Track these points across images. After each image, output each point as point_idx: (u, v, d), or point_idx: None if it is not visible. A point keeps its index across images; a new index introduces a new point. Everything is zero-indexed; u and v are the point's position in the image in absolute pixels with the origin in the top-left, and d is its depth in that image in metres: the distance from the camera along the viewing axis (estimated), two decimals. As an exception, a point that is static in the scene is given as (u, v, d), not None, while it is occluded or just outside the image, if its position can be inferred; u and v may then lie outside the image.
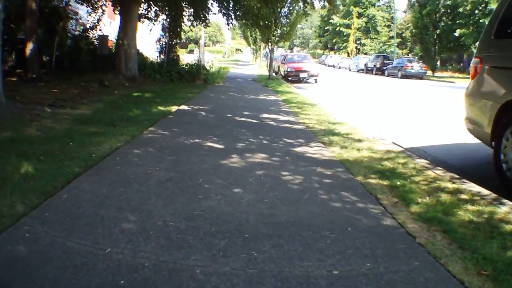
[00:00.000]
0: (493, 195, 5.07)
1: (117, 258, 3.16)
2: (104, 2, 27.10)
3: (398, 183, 5.39)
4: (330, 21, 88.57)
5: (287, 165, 6.29)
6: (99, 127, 9.10)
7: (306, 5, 24.23)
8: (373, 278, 3.06)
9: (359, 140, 8.41)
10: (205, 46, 49.94)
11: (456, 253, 3.52)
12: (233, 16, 27.66)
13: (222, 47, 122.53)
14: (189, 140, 8.06)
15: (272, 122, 10.76)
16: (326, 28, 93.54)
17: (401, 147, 8.26)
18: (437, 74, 47.53)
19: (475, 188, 5.37)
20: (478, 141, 6.87)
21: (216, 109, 13.02)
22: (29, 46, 20.53)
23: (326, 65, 78.49)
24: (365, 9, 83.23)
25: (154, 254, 3.26)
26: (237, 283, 2.86)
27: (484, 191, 5.21)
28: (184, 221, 3.95)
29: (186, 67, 26.07)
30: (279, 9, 29.92)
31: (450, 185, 5.39)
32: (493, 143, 6.16)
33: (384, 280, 3.04)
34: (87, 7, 26.93)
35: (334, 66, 74.30)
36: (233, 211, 4.28)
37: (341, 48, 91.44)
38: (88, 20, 28.20)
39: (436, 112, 15.21)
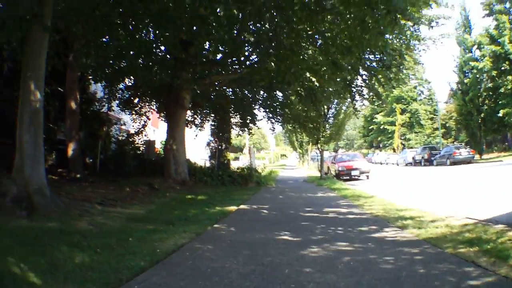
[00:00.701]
0: None
1: None
2: (148, 109, 28.12)
3: (488, 246, 5.38)
4: (374, 120, 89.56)
5: (371, 249, 6.21)
6: (157, 225, 9.17)
7: (354, 102, 24.63)
8: None
9: (433, 221, 8.33)
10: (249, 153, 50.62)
11: None
12: (280, 120, 28.33)
13: (267, 153, 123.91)
14: (259, 235, 8.01)
15: (339, 215, 10.67)
16: (370, 127, 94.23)
17: (475, 219, 8.15)
18: (484, 156, 47.49)
19: None
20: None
21: (277, 208, 12.98)
22: (71, 147, 20.97)
23: (373, 162, 78.52)
24: (407, 105, 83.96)
25: None
26: None
27: None
28: None
29: (238, 171, 26.30)
30: (326, 110, 30.42)
31: None
32: None
33: None
34: (129, 114, 27.96)
35: (381, 163, 74.30)
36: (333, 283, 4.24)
37: (387, 145, 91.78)
38: (133, 126, 29.04)
39: (493, 186, 15.09)
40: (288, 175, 41.35)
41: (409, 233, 7.32)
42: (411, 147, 79.61)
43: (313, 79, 17.76)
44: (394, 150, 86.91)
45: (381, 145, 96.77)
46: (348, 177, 31.80)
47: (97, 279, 4.86)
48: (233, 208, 13.04)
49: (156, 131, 36.93)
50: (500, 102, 42.21)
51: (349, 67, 18.02)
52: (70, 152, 21.14)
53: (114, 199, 13.95)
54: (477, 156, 45.23)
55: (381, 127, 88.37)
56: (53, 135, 24.90)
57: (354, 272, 5.02)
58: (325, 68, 16.66)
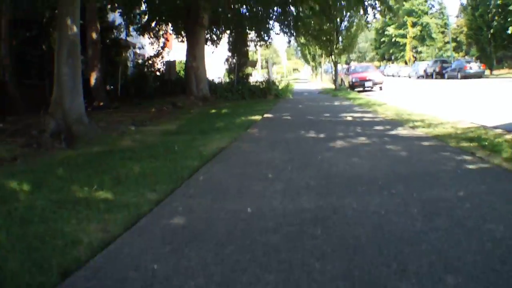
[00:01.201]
0: None
1: (278, 208, 4.19)
2: (165, 31, 28.75)
3: (486, 143, 6.40)
4: (385, 32, 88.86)
5: (387, 142, 7.34)
6: (193, 135, 10.05)
7: (366, 15, 24.96)
8: (488, 191, 4.12)
9: (441, 123, 9.34)
10: (261, 68, 50.79)
11: None
12: (294, 34, 28.76)
13: (280, 68, 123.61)
14: (289, 135, 9.08)
15: (355, 119, 11.71)
16: (382, 40, 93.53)
17: (479, 124, 9.16)
18: (495, 72, 47.68)
19: None
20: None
21: (298, 115, 14.00)
22: (94, 76, 21.70)
23: (385, 75, 78.49)
24: (418, 18, 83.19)
25: (312, 201, 4.26)
26: (383, 214, 3.84)
27: None
28: (323, 180, 4.99)
29: (257, 84, 27.17)
30: (339, 23, 30.80)
31: None
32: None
33: (498, 192, 4.10)
34: (149, 38, 28.44)
35: (393, 76, 74.26)
36: (361, 171, 5.34)
37: (398, 57, 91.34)
38: (153, 48, 29.64)
39: (504, 101, 15.94)
40: (302, 88, 42.00)
41: (419, 132, 8.39)
42: (423, 60, 79.47)
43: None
44: (406, 62, 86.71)
45: (392, 58, 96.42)
46: (361, 88, 32.42)
47: (162, 181, 5.50)
48: (258, 117, 13.96)
49: (170, 52, 37.48)
50: (509, 19, 42.28)
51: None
52: (92, 81, 21.83)
53: (143, 120, 14.78)
54: (487, 71, 45.67)
55: (393, 40, 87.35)
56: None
57: (374, 157, 6.17)
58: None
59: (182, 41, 27.68)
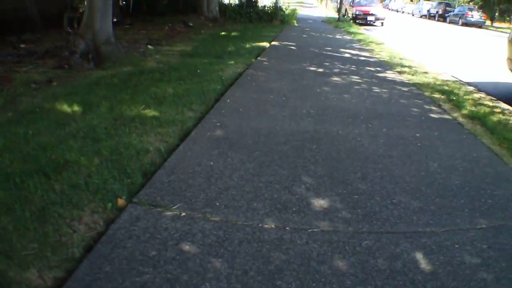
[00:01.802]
0: None
1: (287, 128, 5.72)
2: None
3: (454, 98, 7.84)
4: None
5: (374, 83, 8.75)
6: (210, 59, 10.99)
7: None
8: (438, 137, 5.61)
9: (425, 72, 10.76)
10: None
11: (487, 134, 6.00)
12: None
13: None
14: (295, 66, 10.37)
15: (352, 56, 12.98)
16: None
17: (457, 78, 10.61)
18: (495, 24, 48.40)
19: (506, 106, 7.80)
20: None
21: (302, 46, 15.04)
22: None
23: (389, 9, 78.59)
24: None
25: (310, 125, 5.77)
26: (359, 140, 5.35)
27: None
28: (320, 110, 6.47)
29: (266, 9, 27.94)
30: None
31: (489, 103, 7.82)
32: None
33: (445, 139, 5.58)
34: None
35: (397, 11, 74.44)
36: (349, 106, 6.82)
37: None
38: None
39: (490, 58, 17.26)
40: (307, 14, 42.44)
41: (404, 77, 9.78)
42: (429, -1, 79.63)
43: None
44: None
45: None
46: (364, 22, 33.50)
47: (196, 101, 6.66)
48: (266, 44, 14.96)
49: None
50: None
51: None
52: None
53: (158, 39, 15.32)
54: (488, 22, 46.60)
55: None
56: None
57: (361, 95, 7.63)
58: None
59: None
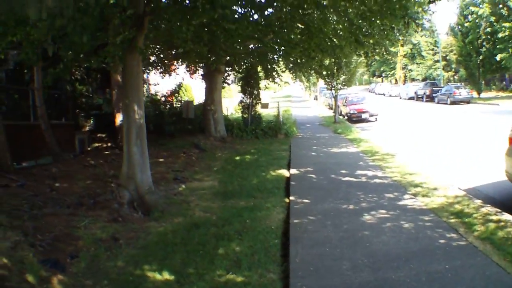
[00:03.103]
0: None
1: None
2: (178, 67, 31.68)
3: (466, 220, 9.58)
4: (377, 50, 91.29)
5: (400, 216, 10.37)
6: (245, 201, 12.36)
7: (366, 57, 27.58)
8: (460, 265, 7.36)
9: (435, 189, 12.55)
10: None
11: (495, 251, 7.71)
12: (299, 69, 31.80)
13: (268, 84, 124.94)
14: (327, 205, 11.57)
15: (369, 180, 14.44)
16: (369, 63, 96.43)
17: (463, 190, 12.40)
18: (483, 95, 51.50)
19: (508, 217, 9.58)
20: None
21: (320, 171, 16.34)
22: (119, 117, 23.39)
23: (375, 93, 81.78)
24: (409, 36, 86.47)
25: (370, 274, 7.55)
26: (410, 281, 7.16)
27: None
28: (371, 258, 8.25)
29: (269, 124, 30.23)
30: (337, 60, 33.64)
31: (494, 217, 9.56)
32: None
33: (465, 265, 7.35)
34: (162, 77, 31.69)
35: (384, 95, 77.26)
36: (388, 248, 8.43)
37: (389, 75, 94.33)
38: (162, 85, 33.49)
39: (484, 143, 19.11)
40: (301, 114, 44.53)
41: (420, 202, 11.38)
42: (413, 79, 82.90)
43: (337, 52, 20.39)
44: (396, 81, 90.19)
45: (383, 75, 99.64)
46: (358, 119, 36.20)
47: (266, 261, 7.92)
48: (285, 172, 16.57)
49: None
50: (498, 46, 45.68)
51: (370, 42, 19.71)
52: (117, 121, 23.67)
53: (179, 170, 16.72)
54: (475, 94, 49.32)
55: (382, 58, 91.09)
56: (92, 103, 29.49)
57: (395, 233, 9.17)
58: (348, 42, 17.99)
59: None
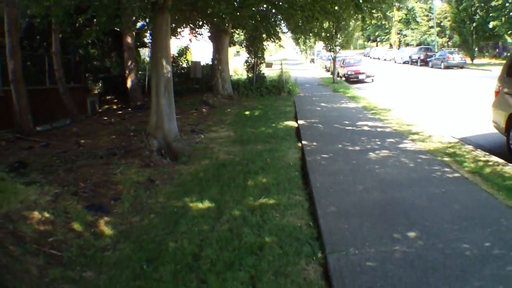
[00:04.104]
0: (504, 162, 10.77)
1: (368, 197, 9.05)
2: (183, 30, 32.55)
3: (458, 159, 11.09)
4: (374, 14, 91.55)
5: (401, 155, 11.87)
6: (263, 145, 13.75)
7: (363, 21, 28.52)
8: (455, 190, 8.91)
9: (430, 136, 14.03)
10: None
11: (484, 182, 9.17)
12: (299, 32, 32.86)
13: (267, 45, 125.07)
14: (336, 147, 13.12)
15: (371, 129, 15.77)
16: (368, 22, 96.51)
17: (456, 138, 13.92)
18: (476, 61, 52.72)
19: (495, 158, 11.13)
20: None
21: (325, 122, 17.75)
22: (130, 78, 24.73)
23: (370, 57, 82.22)
24: (404, 1, 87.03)
25: (379, 193, 9.08)
26: (413, 198, 8.72)
27: (500, 160, 10.96)
28: (377, 183, 9.77)
29: (272, 83, 31.61)
30: (338, 23, 34.60)
31: (483, 158, 11.10)
32: (506, 134, 12.01)
33: (459, 190, 8.91)
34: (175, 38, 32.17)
35: (379, 59, 77.78)
36: (392, 176, 9.95)
37: (384, 40, 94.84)
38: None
39: (475, 102, 20.78)
40: (300, 76, 44.98)
41: (418, 145, 12.82)
42: (407, 44, 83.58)
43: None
44: (391, 45, 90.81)
45: (378, 39, 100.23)
46: (356, 80, 37.43)
47: (290, 187, 9.32)
48: (294, 123, 17.94)
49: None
50: (491, 14, 46.80)
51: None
52: (129, 83, 24.93)
53: (194, 124, 17.62)
54: (468, 60, 50.60)
55: (379, 22, 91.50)
56: (104, 67, 30.34)
57: (396, 171, 10.49)
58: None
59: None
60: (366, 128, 16.35)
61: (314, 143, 13.81)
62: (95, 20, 15.48)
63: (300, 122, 18.20)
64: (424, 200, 8.29)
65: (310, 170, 10.68)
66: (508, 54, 49.08)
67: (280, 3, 19.84)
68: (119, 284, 5.86)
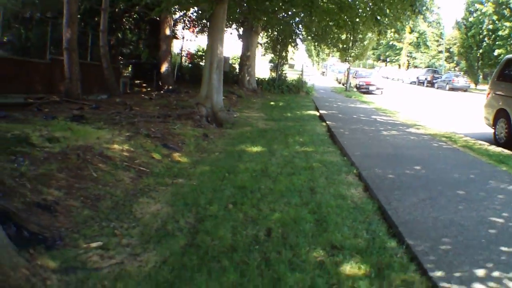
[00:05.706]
0: (491, 146, 13.67)
1: (383, 152, 12.00)
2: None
3: (453, 139, 13.99)
4: (388, 31, 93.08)
5: (408, 135, 14.72)
6: (293, 122, 16.00)
7: (379, 35, 30.67)
8: (448, 154, 11.91)
9: (431, 128, 16.85)
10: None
11: (471, 152, 12.09)
12: (318, 41, 35.54)
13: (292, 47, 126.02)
14: (355, 126, 15.91)
15: (383, 120, 18.79)
16: (380, 41, 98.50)
17: (454, 132, 16.62)
18: (479, 86, 54.92)
19: (483, 142, 14.06)
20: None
21: (344, 113, 20.73)
22: (165, 65, 26.31)
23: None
24: (417, 21, 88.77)
25: (392, 149, 12.04)
26: (418, 155, 11.69)
27: (486, 143, 13.89)
28: (392, 147, 12.66)
29: (292, 82, 34.65)
30: (355, 35, 36.54)
31: (472, 141, 14.02)
32: (493, 127, 14.97)
33: (452, 154, 11.91)
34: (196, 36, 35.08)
35: (387, 78, 79.09)
36: (403, 143, 12.84)
37: (394, 60, 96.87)
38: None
39: (475, 114, 23.32)
40: (315, 84, 46.48)
41: (421, 131, 15.69)
42: (416, 66, 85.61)
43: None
44: (399, 66, 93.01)
45: (388, 60, 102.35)
46: (366, 90, 39.79)
47: (323, 144, 11.93)
48: (315, 112, 20.47)
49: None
50: (497, 42, 49.05)
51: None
52: (163, 69, 26.52)
53: (226, 107, 17.89)
54: (472, 85, 53.15)
55: (390, 43, 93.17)
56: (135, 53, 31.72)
57: (404, 141, 13.43)
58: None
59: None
60: (378, 119, 19.17)
61: (336, 123, 16.44)
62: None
63: (321, 111, 20.66)
64: (426, 155, 11.22)
65: (336, 135, 13.50)
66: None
67: (313, 10, 21.36)
68: (210, 183, 7.56)
